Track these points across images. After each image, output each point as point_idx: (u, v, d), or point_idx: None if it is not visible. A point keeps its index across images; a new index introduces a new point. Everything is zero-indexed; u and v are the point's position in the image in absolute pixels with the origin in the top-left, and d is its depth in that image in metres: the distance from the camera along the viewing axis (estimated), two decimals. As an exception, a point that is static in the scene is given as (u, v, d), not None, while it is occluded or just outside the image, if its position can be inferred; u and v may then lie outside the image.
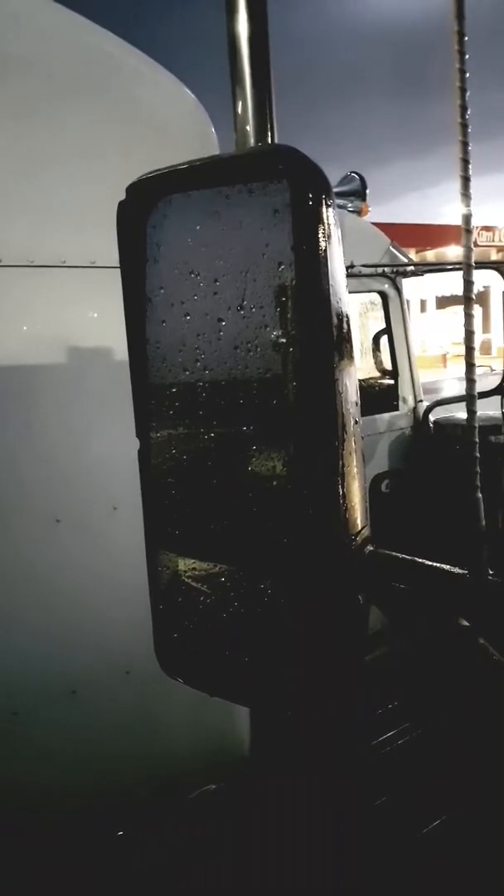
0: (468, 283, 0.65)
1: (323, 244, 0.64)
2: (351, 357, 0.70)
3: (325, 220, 0.64)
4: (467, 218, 0.65)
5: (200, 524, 0.77)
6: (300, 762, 2.57)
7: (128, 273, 0.76)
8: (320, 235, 0.63)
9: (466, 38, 0.57)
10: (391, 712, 3.13)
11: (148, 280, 0.75)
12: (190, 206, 0.71)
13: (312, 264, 0.64)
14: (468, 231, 0.64)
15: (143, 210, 0.73)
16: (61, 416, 1.90)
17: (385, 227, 4.48)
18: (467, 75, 0.59)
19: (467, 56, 0.58)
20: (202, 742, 2.17)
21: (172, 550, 0.80)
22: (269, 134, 1.57)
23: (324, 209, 0.64)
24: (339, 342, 0.67)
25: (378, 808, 2.59)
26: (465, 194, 0.64)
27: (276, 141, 1.53)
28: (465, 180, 0.62)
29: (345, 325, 0.68)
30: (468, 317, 0.66)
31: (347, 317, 0.69)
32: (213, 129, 2.09)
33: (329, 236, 0.64)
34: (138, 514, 0.83)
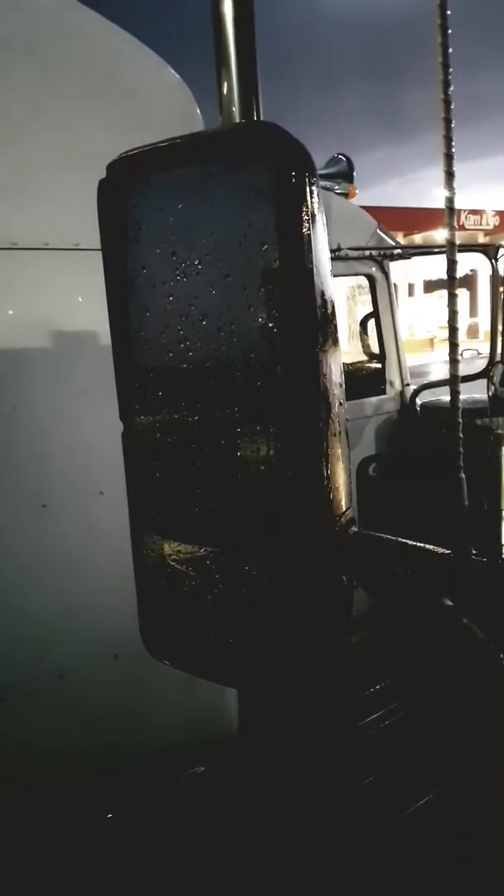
0: (451, 263, 0.64)
1: (306, 224, 0.63)
2: (335, 339, 0.70)
3: (309, 200, 0.63)
4: (450, 197, 0.64)
5: (185, 507, 0.77)
6: (287, 743, 2.59)
7: (109, 254, 0.75)
8: (303, 215, 0.63)
9: (449, 13, 0.57)
10: (377, 693, 3.16)
11: (130, 261, 0.74)
12: (172, 185, 0.70)
13: (295, 245, 0.63)
14: (451, 209, 0.64)
15: (123, 189, 0.72)
16: (46, 400, 1.89)
17: (373, 211, 4.46)
18: (450, 51, 0.58)
19: (450, 31, 0.57)
20: (190, 724, 2.18)
21: (157, 533, 0.80)
22: (255, 115, 1.55)
23: (307, 188, 0.63)
24: (322, 324, 0.66)
25: (365, 787, 2.62)
26: (449, 172, 0.63)
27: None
28: (449, 158, 0.62)
29: (329, 307, 0.68)
30: (451, 296, 0.66)
31: (331, 298, 0.69)
32: (197, 110, 2.06)
33: (312, 216, 0.63)
34: (125, 498, 0.82)
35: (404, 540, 0.69)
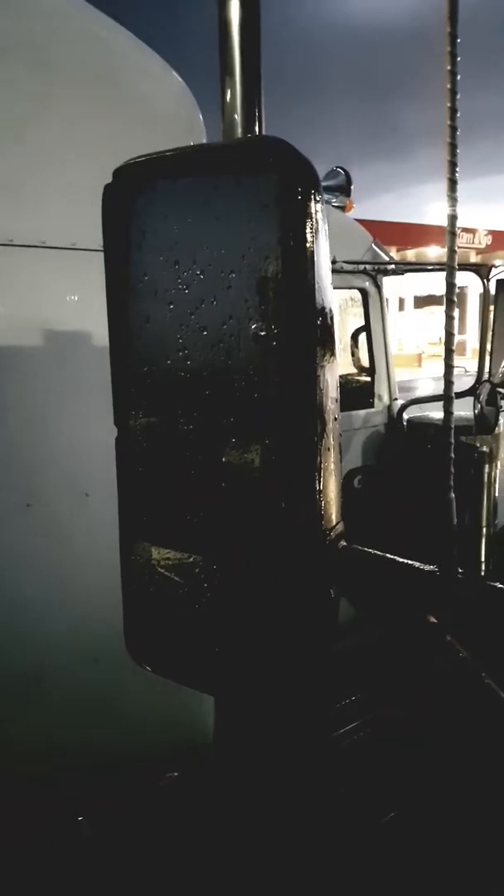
0: (450, 286, 0.65)
1: (310, 239, 0.64)
2: (333, 353, 0.70)
3: (313, 215, 0.64)
4: (452, 220, 0.65)
5: (176, 514, 0.77)
6: (263, 752, 2.58)
7: (112, 258, 0.75)
8: (308, 230, 0.63)
9: (459, 41, 0.58)
10: (354, 704, 3.16)
11: (132, 266, 0.74)
12: (177, 194, 0.70)
13: (298, 259, 0.64)
14: (453, 233, 0.65)
15: (129, 195, 0.72)
16: (36, 399, 1.88)
17: (367, 224, 4.49)
18: (458, 77, 0.59)
19: (459, 59, 0.58)
20: (168, 730, 2.17)
21: (147, 539, 0.80)
22: (257, 123, 1.56)
23: (312, 203, 0.64)
24: (322, 338, 0.67)
25: (339, 797, 2.62)
26: (452, 197, 0.64)
27: (263, 130, 1.52)
28: (452, 183, 0.63)
29: (328, 322, 0.68)
30: (449, 319, 0.67)
31: (331, 312, 0.69)
32: (200, 116, 2.07)
33: (316, 231, 0.64)
34: (110, 501, 0.82)
35: (392, 556, 0.69)
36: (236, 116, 1.54)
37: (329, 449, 0.68)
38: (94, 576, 1.73)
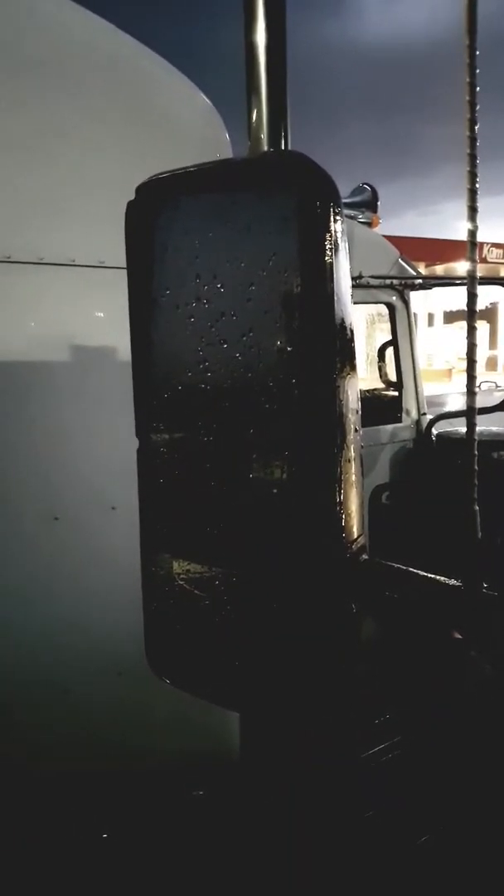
0: (472, 296, 0.65)
1: (329, 253, 0.64)
2: (353, 366, 0.70)
3: (332, 229, 0.64)
4: (473, 231, 0.65)
5: (197, 527, 0.77)
6: (288, 771, 2.55)
7: (134, 273, 0.76)
8: (326, 244, 0.64)
9: (478, 53, 0.58)
10: (381, 725, 3.11)
11: (154, 281, 0.75)
12: (198, 209, 0.71)
13: (317, 273, 0.64)
14: (473, 244, 0.65)
15: (151, 211, 0.73)
16: (63, 413, 1.90)
17: (395, 240, 4.49)
18: (477, 89, 0.60)
19: (478, 70, 0.58)
20: (193, 746, 2.16)
21: (168, 552, 0.80)
22: (283, 143, 1.57)
23: (331, 218, 0.64)
24: (341, 350, 0.67)
25: (367, 820, 2.57)
26: (472, 207, 0.64)
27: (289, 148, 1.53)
28: (472, 193, 0.63)
29: (348, 334, 0.68)
30: (471, 329, 0.66)
31: (351, 326, 0.69)
32: (226, 135, 2.10)
33: (335, 245, 0.64)
34: (136, 514, 0.83)
35: (415, 570, 0.69)
36: (262, 136, 1.56)
37: (350, 461, 0.68)
38: (119, 589, 1.74)
